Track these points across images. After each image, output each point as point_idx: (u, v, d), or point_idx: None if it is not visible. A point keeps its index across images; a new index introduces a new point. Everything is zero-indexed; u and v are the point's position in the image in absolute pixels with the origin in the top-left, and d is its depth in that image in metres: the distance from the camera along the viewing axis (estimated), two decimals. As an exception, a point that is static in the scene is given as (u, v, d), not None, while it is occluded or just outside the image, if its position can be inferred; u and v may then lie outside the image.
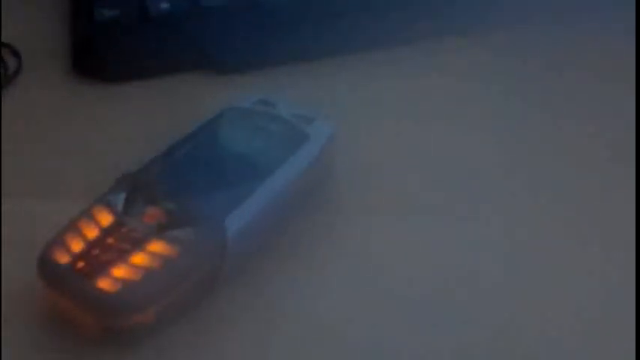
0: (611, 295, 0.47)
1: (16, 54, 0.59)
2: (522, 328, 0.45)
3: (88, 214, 0.45)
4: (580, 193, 0.52)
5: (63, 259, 0.44)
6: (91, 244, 0.44)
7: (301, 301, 0.46)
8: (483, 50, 0.60)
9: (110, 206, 0.45)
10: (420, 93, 0.57)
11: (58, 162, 0.53)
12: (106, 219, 0.45)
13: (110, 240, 0.44)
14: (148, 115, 0.56)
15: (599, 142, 0.54)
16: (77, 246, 0.44)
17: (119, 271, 0.43)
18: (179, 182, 0.47)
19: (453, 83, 0.58)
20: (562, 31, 0.60)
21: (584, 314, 0.46)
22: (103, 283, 0.43)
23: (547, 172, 0.53)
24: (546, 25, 0.60)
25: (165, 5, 0.59)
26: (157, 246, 0.44)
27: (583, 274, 0.48)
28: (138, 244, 0.44)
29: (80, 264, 0.43)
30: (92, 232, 0.45)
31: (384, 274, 0.48)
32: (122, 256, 0.43)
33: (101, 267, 0.43)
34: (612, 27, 0.60)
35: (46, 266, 0.44)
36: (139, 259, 0.43)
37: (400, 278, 0.47)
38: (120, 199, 0.46)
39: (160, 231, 0.44)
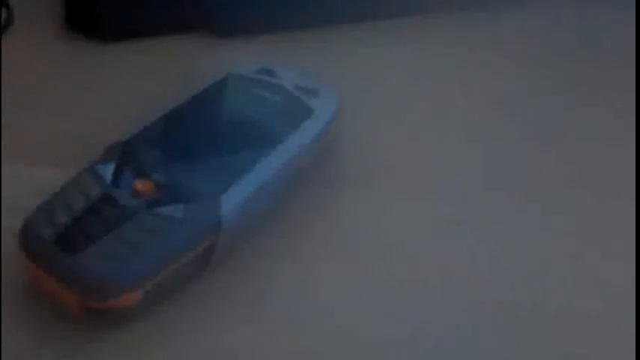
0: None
1: (5, 5, 0.57)
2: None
3: (74, 184, 0.43)
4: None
5: (45, 231, 0.41)
6: (76, 217, 0.42)
7: (299, 280, 0.44)
8: (488, 23, 0.58)
9: (98, 177, 0.43)
10: (425, 62, 0.55)
11: (46, 125, 0.51)
12: (93, 190, 0.43)
13: (96, 213, 0.42)
14: (143, 78, 0.53)
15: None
16: (61, 218, 0.42)
17: (104, 248, 0.41)
18: (173, 154, 0.45)
19: (460, 53, 0.56)
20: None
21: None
22: (87, 260, 0.40)
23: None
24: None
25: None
26: (146, 222, 0.41)
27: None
28: (125, 220, 0.41)
29: (64, 238, 0.41)
30: (78, 204, 0.42)
31: (385, 250, 0.46)
32: (108, 231, 0.41)
33: (85, 242, 0.41)
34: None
35: (28, 239, 0.42)
36: (126, 235, 0.41)
37: (401, 254, 0.46)
38: (109, 169, 0.43)
39: (150, 206, 0.42)
